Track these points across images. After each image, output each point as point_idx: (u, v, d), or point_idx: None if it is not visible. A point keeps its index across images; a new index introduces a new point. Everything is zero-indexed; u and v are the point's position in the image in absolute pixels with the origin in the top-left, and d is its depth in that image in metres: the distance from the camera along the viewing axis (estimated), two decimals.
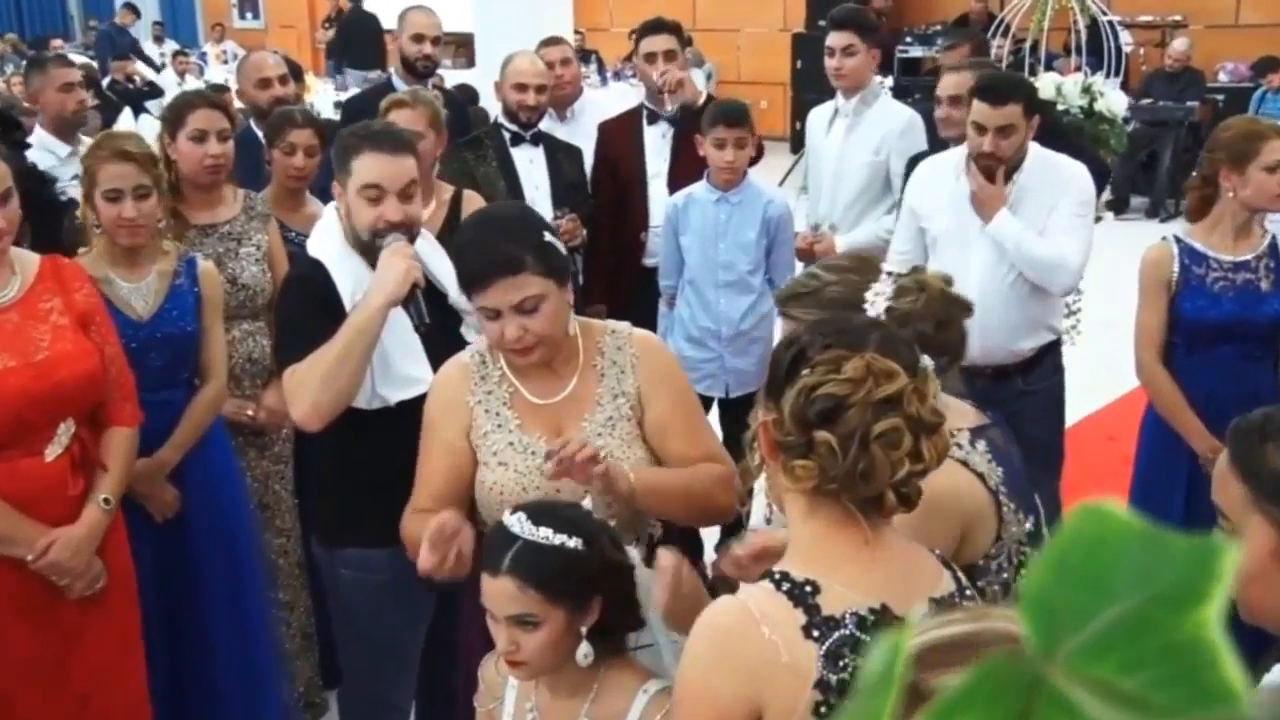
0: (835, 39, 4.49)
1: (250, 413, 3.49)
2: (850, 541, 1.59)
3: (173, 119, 3.53)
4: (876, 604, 1.58)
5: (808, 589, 1.57)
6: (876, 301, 1.99)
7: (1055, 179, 3.61)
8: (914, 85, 11.30)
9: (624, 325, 2.50)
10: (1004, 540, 1.97)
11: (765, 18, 15.58)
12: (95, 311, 2.78)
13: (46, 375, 2.61)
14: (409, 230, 2.73)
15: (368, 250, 2.74)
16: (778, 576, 1.60)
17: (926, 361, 1.67)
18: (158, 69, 15.30)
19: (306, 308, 2.75)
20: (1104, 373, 5.46)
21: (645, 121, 4.79)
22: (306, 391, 2.62)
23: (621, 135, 4.82)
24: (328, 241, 2.83)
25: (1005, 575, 1.95)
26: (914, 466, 1.56)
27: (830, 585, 1.57)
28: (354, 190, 2.73)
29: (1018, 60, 8.80)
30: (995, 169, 3.57)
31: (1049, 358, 3.72)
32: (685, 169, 4.52)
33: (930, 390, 1.60)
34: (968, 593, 1.71)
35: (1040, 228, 3.58)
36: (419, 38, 5.02)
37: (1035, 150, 3.64)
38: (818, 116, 4.74)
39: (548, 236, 2.31)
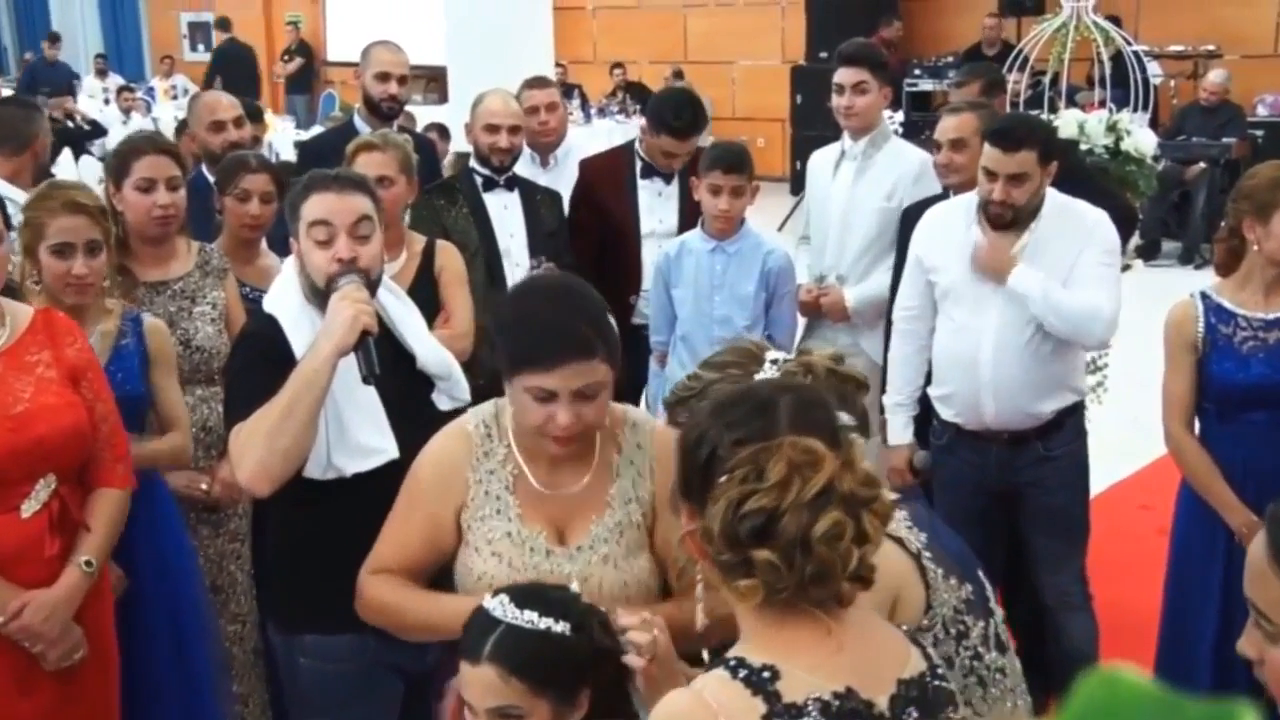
0: (845, 75, 4.53)
1: (204, 486, 3.49)
2: (811, 631, 1.61)
3: (118, 166, 3.56)
4: (842, 687, 1.59)
5: (766, 675, 1.58)
6: None
7: (1075, 228, 3.65)
8: (924, 122, 11.41)
9: (645, 418, 2.50)
10: (936, 609, 1.99)
11: (762, 49, 15.74)
12: (88, 367, 2.81)
13: (23, 428, 2.63)
14: (365, 274, 2.74)
15: (324, 299, 2.74)
16: (733, 663, 1.61)
17: (844, 419, 1.70)
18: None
19: (256, 365, 2.75)
20: (1135, 435, 5.48)
21: (639, 173, 4.82)
22: (251, 450, 2.61)
23: (609, 177, 4.84)
24: (285, 297, 2.84)
25: (945, 648, 1.96)
26: (863, 549, 1.58)
27: (791, 670, 1.59)
28: (304, 234, 2.75)
29: (1037, 94, 8.91)
30: (1005, 217, 3.61)
31: (1071, 421, 3.73)
32: (693, 225, 4.52)
33: (857, 455, 1.63)
34: (939, 670, 1.73)
35: (1061, 281, 3.61)
36: (383, 76, 5.06)
37: (1053, 197, 3.68)
38: (821, 159, 4.78)
39: (610, 319, 2.31)
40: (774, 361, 2.07)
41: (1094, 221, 3.67)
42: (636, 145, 4.90)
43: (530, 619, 1.97)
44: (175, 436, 3.25)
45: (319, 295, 2.75)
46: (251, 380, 2.73)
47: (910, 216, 4.31)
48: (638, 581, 2.35)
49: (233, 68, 16.26)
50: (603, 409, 2.28)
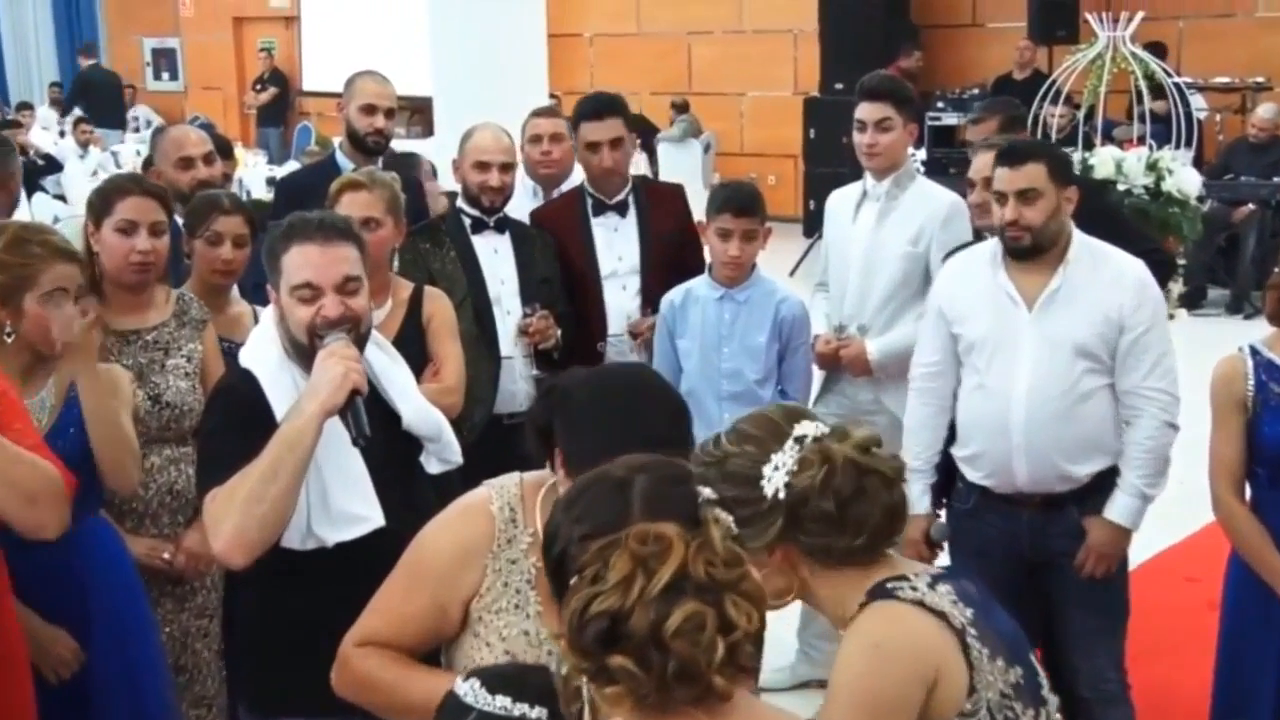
0: (868, 111, 4.56)
1: (167, 555, 3.47)
2: None
3: (100, 205, 3.59)
4: None
5: None
6: (774, 477, 2.05)
7: (1107, 277, 3.65)
8: (949, 159, 11.45)
9: None
10: (980, 692, 1.98)
11: (773, 80, 15.81)
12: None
13: None
14: (354, 327, 2.76)
15: (307, 356, 2.75)
16: None
17: (707, 494, 1.71)
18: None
19: (232, 425, 2.76)
20: (1180, 500, 5.44)
21: (591, 211, 4.80)
22: (228, 518, 2.61)
23: (561, 222, 4.83)
24: (263, 351, 2.85)
25: None
26: (731, 637, 1.57)
27: None
28: (285, 292, 2.77)
29: (1072, 130, 8.98)
30: (1023, 241, 3.63)
31: (1110, 484, 3.71)
32: (657, 264, 4.54)
33: (716, 534, 1.62)
34: None
35: (1093, 334, 3.61)
36: (369, 109, 5.11)
37: (1083, 240, 3.69)
38: (841, 200, 4.80)
39: (689, 415, 2.31)
40: (799, 440, 2.06)
41: (1136, 277, 3.67)
42: (584, 183, 4.89)
43: (504, 705, 1.95)
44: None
45: (301, 351, 2.76)
46: (227, 441, 2.73)
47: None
48: None
49: (95, 95, 16.51)
50: None
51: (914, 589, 2.01)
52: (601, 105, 4.83)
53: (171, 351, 3.59)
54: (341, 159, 5.16)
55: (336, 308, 2.74)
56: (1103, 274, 3.66)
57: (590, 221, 4.78)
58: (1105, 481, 3.71)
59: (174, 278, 3.91)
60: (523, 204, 5.03)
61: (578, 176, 5.36)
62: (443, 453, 2.94)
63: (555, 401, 2.29)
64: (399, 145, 10.42)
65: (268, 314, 2.92)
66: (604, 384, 2.34)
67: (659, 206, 4.72)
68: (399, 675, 2.35)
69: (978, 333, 3.75)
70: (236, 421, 2.76)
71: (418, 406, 2.93)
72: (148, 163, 7.09)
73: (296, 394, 2.74)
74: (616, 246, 4.77)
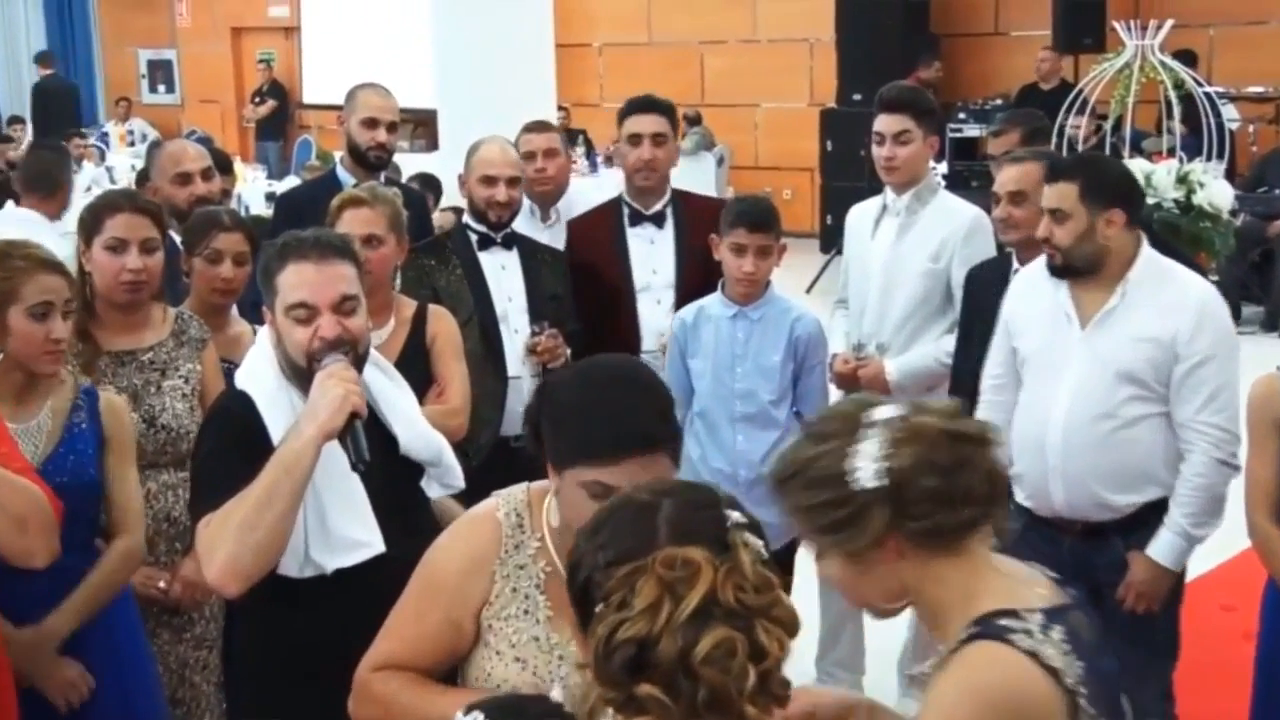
0: (887, 123, 4.58)
1: (162, 584, 3.48)
2: None
3: (90, 222, 3.61)
4: None
5: None
6: (864, 467, 2.00)
7: (1167, 300, 3.62)
8: (970, 171, 11.45)
9: None
10: None
11: (788, 90, 15.83)
12: None
13: None
14: (352, 349, 2.78)
15: (305, 378, 2.77)
16: None
17: (735, 517, 1.71)
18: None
19: (226, 449, 2.77)
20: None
21: (627, 221, 4.87)
22: (222, 545, 2.61)
23: (596, 233, 4.89)
24: (260, 373, 2.87)
25: None
26: (762, 665, 1.57)
27: None
28: (281, 312, 2.79)
29: (1099, 141, 8.97)
30: (1054, 260, 3.64)
31: (1158, 518, 3.68)
32: (692, 281, 4.58)
33: (746, 558, 1.63)
34: None
35: (1140, 359, 3.59)
36: (371, 123, 5.13)
37: (1150, 258, 3.68)
38: (860, 214, 4.82)
39: (674, 408, 2.34)
40: (872, 425, 2.04)
41: (1198, 302, 3.63)
42: (623, 193, 4.95)
43: None
44: (124, 541, 3.22)
45: (299, 373, 2.77)
46: (222, 465, 2.74)
47: (974, 280, 4.35)
48: None
49: (52, 105, 16.61)
50: None
51: (1028, 633, 1.95)
52: (651, 102, 4.92)
53: (169, 372, 3.60)
54: (343, 174, 5.18)
55: (333, 328, 2.75)
56: (1163, 297, 3.64)
57: (626, 232, 4.83)
58: (1156, 514, 3.68)
59: (172, 296, 3.92)
60: (520, 223, 5.06)
61: (574, 189, 5.39)
62: (444, 477, 2.95)
63: (543, 398, 2.33)
64: (402, 160, 10.48)
65: (264, 334, 2.93)
66: (587, 379, 2.36)
67: (698, 221, 4.70)
68: (417, 695, 2.35)
69: (1030, 347, 3.78)
70: (231, 445, 2.77)
71: (417, 430, 2.94)
72: (142, 177, 7.15)
73: (294, 416, 2.75)
74: (652, 259, 4.81)
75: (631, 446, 2.17)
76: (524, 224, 5.04)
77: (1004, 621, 1.97)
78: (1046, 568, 3.65)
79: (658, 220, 4.84)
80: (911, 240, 4.59)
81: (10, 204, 6.07)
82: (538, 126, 5.39)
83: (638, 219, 4.85)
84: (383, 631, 2.42)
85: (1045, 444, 3.66)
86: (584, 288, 4.81)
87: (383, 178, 5.19)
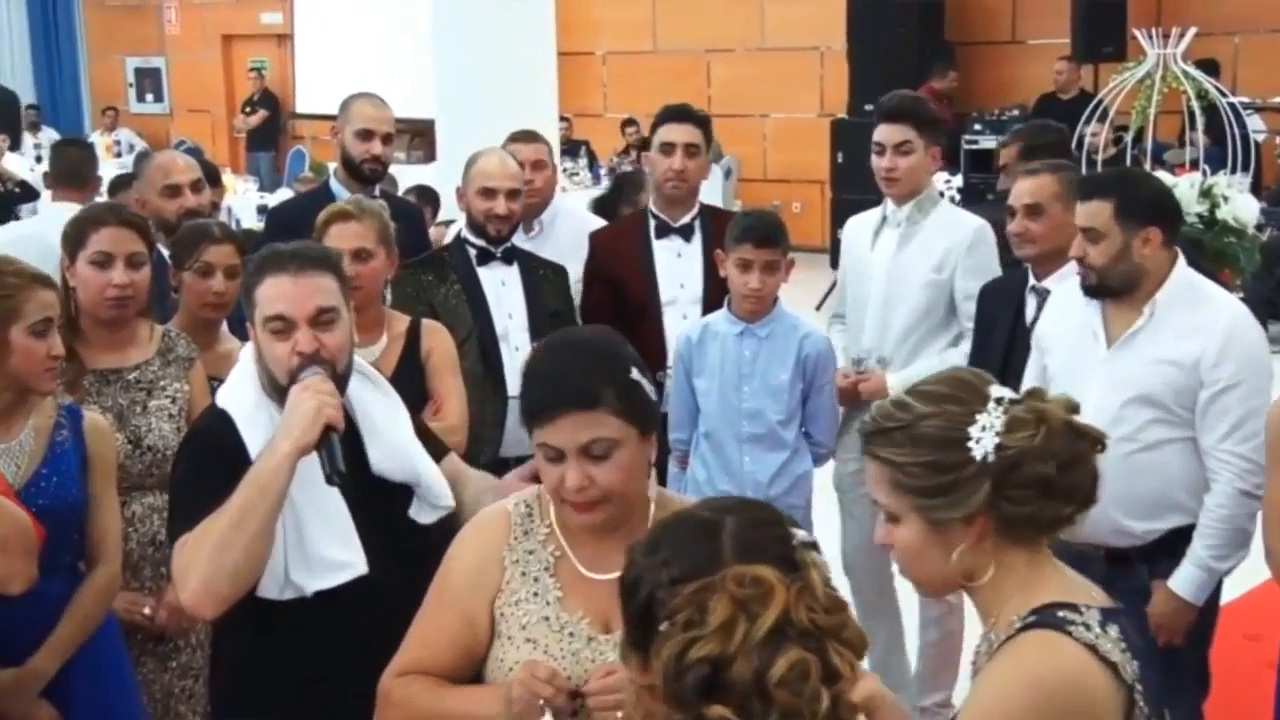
0: (887, 133, 4.62)
1: (147, 611, 3.49)
2: None
3: (74, 237, 3.62)
4: None
5: None
6: (984, 438, 2.02)
7: (1195, 323, 3.63)
8: (986, 184, 11.46)
9: None
10: None
11: (798, 101, 15.86)
12: None
13: None
14: (331, 366, 2.79)
15: (285, 394, 2.78)
16: None
17: (800, 535, 1.72)
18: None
19: (205, 469, 2.78)
20: None
21: (654, 233, 4.91)
22: (195, 567, 2.63)
23: (624, 249, 4.91)
24: (242, 389, 2.89)
25: None
26: (834, 688, 1.58)
27: None
28: (259, 326, 2.81)
29: (1119, 152, 9.00)
30: (1088, 280, 3.66)
31: (1185, 546, 3.68)
32: (722, 294, 4.55)
33: (815, 577, 1.64)
34: None
35: (1161, 383, 3.59)
36: (365, 134, 5.16)
37: (1184, 278, 3.68)
38: (859, 226, 4.86)
39: (635, 374, 2.39)
40: (999, 401, 2.05)
41: (1227, 326, 3.62)
42: (650, 204, 4.98)
43: None
44: (101, 573, 3.23)
45: (279, 389, 2.79)
46: (199, 486, 2.75)
47: (989, 296, 4.38)
48: None
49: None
50: (625, 472, 2.35)
51: (1087, 627, 1.99)
52: (686, 112, 4.97)
53: (155, 392, 3.61)
54: (337, 187, 5.20)
55: (310, 342, 2.77)
56: (1192, 319, 3.64)
57: (652, 245, 4.86)
58: (1183, 541, 3.69)
59: (160, 312, 3.95)
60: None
61: (559, 200, 5.39)
62: (428, 497, 2.96)
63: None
64: (399, 172, 10.50)
65: (247, 351, 2.95)
66: (544, 347, 2.53)
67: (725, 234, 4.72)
68: (435, 695, 2.41)
69: (1057, 365, 3.79)
70: (209, 465, 2.78)
71: (393, 450, 2.93)
72: (116, 184, 7.18)
73: (270, 436, 2.77)
74: (679, 273, 4.84)
75: (560, 405, 2.30)
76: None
77: (1063, 614, 2.00)
78: None
79: (685, 233, 4.88)
80: (913, 251, 4.63)
81: (47, 195, 6.10)
82: (525, 136, 5.43)
83: (664, 231, 4.89)
84: (405, 640, 2.47)
85: None
86: (607, 301, 4.83)
87: (378, 190, 5.22)
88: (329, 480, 2.70)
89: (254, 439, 2.78)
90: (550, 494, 2.42)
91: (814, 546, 1.75)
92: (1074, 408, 2.11)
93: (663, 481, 4.51)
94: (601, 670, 2.28)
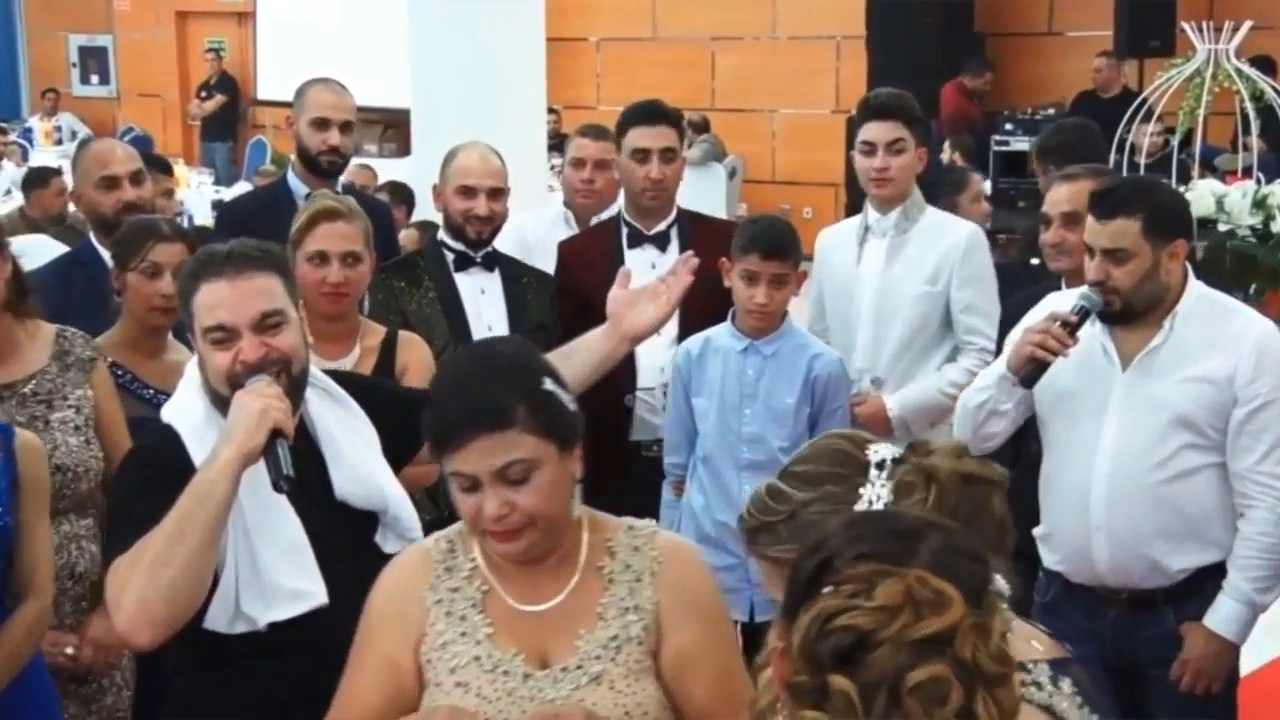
0: (878, 131, 4.66)
1: (70, 650, 3.49)
2: None
3: None
4: None
5: None
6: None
7: (1223, 337, 3.65)
8: (1018, 190, 11.47)
9: (645, 523, 2.63)
10: None
11: (811, 94, 15.84)
12: None
13: None
14: (284, 368, 2.82)
15: (226, 409, 2.80)
16: None
17: (1000, 585, 1.73)
18: None
19: (146, 486, 2.79)
20: None
21: (626, 242, 4.90)
22: (131, 587, 2.62)
23: (593, 256, 4.91)
24: (188, 403, 2.92)
25: None
26: None
27: None
28: (199, 337, 2.84)
29: (1165, 156, 9.01)
30: (1112, 306, 3.65)
31: (1214, 585, 3.69)
32: (698, 312, 4.56)
33: (997, 626, 1.65)
34: None
35: (1196, 403, 3.60)
36: (321, 123, 5.17)
37: (1200, 292, 3.71)
38: (836, 240, 4.92)
39: (550, 384, 2.43)
40: (880, 466, 2.08)
41: (1258, 339, 3.65)
42: (622, 210, 5.00)
43: None
44: (32, 607, 3.21)
45: (223, 402, 2.80)
46: (138, 505, 2.75)
47: (1017, 311, 4.35)
48: (642, 712, 2.43)
49: None
50: (548, 494, 2.38)
51: (1039, 686, 2.01)
52: (657, 111, 4.96)
53: (55, 403, 3.59)
54: (294, 181, 5.23)
55: (256, 349, 2.79)
56: (1219, 333, 3.67)
57: (624, 254, 4.85)
58: (1211, 580, 3.70)
59: (99, 321, 3.95)
60: (559, 236, 5.12)
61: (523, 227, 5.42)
62: (395, 527, 2.97)
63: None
64: (379, 165, 10.49)
65: (192, 364, 2.97)
66: (451, 358, 2.58)
67: (707, 244, 4.56)
68: None
69: (1062, 385, 3.76)
70: (151, 482, 2.78)
71: (356, 474, 2.95)
72: (32, 181, 7.15)
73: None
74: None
75: (469, 428, 2.33)
76: (559, 234, 5.20)
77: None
78: (1084, 644, 3.67)
79: (660, 241, 4.88)
80: (904, 263, 4.66)
81: None
82: (595, 133, 5.50)
83: (638, 239, 4.88)
84: (335, 698, 2.49)
85: (1088, 499, 3.68)
86: (575, 316, 4.82)
87: (340, 185, 5.23)
88: (276, 487, 2.72)
89: (201, 456, 2.79)
90: (468, 527, 2.45)
91: (1008, 603, 1.75)
92: (961, 452, 2.12)
93: (655, 509, 4.52)
94: (542, 714, 2.32)
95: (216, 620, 2.76)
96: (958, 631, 1.60)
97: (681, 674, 2.48)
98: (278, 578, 2.81)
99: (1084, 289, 3.71)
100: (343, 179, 5.48)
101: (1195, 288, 3.71)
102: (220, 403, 2.82)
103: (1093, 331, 3.73)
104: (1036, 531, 3.85)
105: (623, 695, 2.42)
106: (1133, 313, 3.67)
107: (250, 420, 2.68)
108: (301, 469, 2.75)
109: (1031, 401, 3.82)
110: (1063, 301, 3.82)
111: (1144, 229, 3.60)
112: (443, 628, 2.46)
